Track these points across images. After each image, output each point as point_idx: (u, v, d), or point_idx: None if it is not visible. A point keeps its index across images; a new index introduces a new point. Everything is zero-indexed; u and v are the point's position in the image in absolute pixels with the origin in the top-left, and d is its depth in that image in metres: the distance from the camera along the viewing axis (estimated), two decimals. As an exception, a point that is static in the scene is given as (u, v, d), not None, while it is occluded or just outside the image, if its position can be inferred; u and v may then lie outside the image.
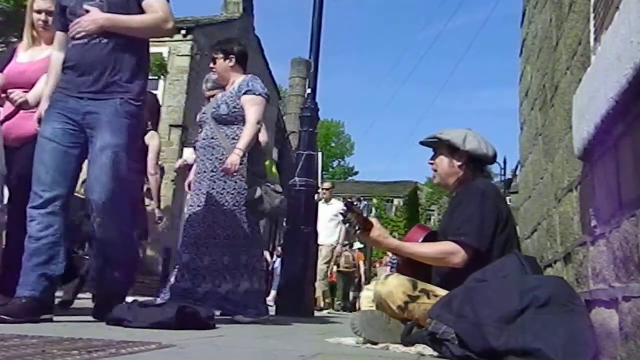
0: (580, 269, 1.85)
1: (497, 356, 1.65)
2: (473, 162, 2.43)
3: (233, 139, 3.36)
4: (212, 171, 3.35)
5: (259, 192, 3.30)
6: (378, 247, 2.50)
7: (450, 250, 2.22)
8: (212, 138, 3.39)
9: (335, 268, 14.39)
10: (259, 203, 3.32)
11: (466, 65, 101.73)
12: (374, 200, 40.99)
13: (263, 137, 3.86)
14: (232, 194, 3.34)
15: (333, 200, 8.44)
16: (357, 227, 2.27)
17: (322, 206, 8.05)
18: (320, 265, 7.60)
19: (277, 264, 10.03)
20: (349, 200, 2.31)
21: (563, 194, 2.16)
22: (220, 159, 3.30)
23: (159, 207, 4.94)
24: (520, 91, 3.89)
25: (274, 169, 3.81)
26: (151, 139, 4.39)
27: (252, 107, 3.40)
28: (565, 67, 2.17)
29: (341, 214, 2.32)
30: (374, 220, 2.33)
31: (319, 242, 7.71)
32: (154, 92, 14.85)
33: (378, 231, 2.30)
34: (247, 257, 3.38)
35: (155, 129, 4.58)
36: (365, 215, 2.29)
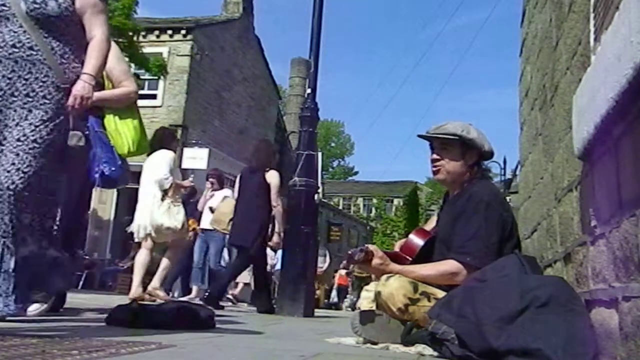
0: (580, 269, 1.85)
1: (497, 356, 1.65)
2: (481, 160, 2.39)
3: (62, 56, 2.37)
4: (27, 96, 2.32)
5: (83, 140, 2.39)
6: (381, 274, 2.35)
7: (454, 271, 2.16)
8: (32, 49, 2.34)
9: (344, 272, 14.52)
10: (79, 153, 2.45)
11: (466, 65, 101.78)
12: (374, 200, 41.02)
13: (131, 85, 3.22)
14: (51, 129, 2.31)
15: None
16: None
17: None
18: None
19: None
20: (349, 252, 2.27)
21: (563, 194, 2.16)
22: (44, 82, 2.34)
23: (279, 233, 5.63)
24: (520, 91, 3.89)
25: (128, 137, 2.96)
26: (272, 178, 5.40)
27: (99, 16, 2.46)
28: (565, 67, 2.17)
29: (344, 267, 2.34)
30: (372, 247, 2.27)
31: None
32: (154, 92, 14.98)
33: (379, 260, 2.25)
34: (32, 217, 2.37)
35: (275, 167, 5.48)
36: (363, 254, 2.22)
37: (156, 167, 5.05)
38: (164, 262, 5.17)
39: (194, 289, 7.32)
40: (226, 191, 7.43)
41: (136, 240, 5.29)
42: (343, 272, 17.69)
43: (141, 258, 5.06)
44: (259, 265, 5.69)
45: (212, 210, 7.08)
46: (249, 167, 5.70)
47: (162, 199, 4.96)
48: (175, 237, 5.09)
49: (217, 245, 7.29)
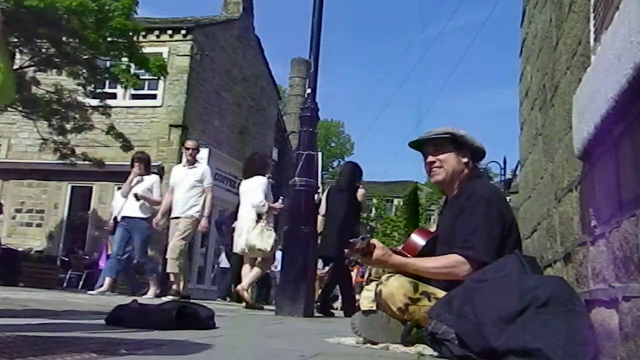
0: (580, 269, 1.85)
1: (497, 356, 1.65)
2: (474, 159, 2.42)
3: None
4: None
5: None
6: (383, 267, 2.38)
7: (456, 265, 2.16)
8: None
9: (366, 276, 14.60)
10: None
11: (466, 65, 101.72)
12: (374, 200, 41.01)
13: None
14: None
15: (198, 164, 6.84)
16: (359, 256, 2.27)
17: (181, 170, 6.76)
18: (175, 241, 6.36)
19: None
20: (350, 240, 2.26)
21: (563, 194, 2.16)
22: None
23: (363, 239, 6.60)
24: (520, 91, 3.89)
25: None
26: (361, 196, 6.07)
27: None
28: (565, 67, 2.17)
29: (346, 255, 2.34)
30: (375, 241, 2.26)
31: (175, 214, 6.49)
32: (154, 92, 14.97)
33: (381, 251, 2.24)
34: None
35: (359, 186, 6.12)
36: (365, 243, 2.21)
37: (253, 192, 6.01)
38: (256, 270, 6.04)
39: (107, 280, 6.63)
40: (154, 177, 7.00)
41: (240, 253, 6.23)
42: (352, 274, 17.80)
43: (245, 270, 6.16)
44: (345, 275, 6.27)
45: (137, 197, 6.66)
46: (337, 187, 6.25)
47: (257, 221, 5.92)
48: (265, 256, 6.06)
49: (142, 235, 6.74)
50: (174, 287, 6.51)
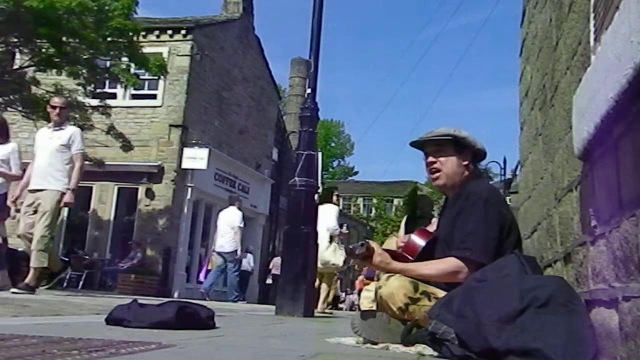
0: (580, 269, 1.85)
1: (497, 356, 1.65)
2: (475, 160, 2.41)
3: None
4: None
5: None
6: (382, 272, 2.40)
7: (454, 270, 2.16)
8: None
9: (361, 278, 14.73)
10: None
11: (466, 65, 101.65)
12: (374, 200, 41.05)
13: None
14: None
15: (66, 126, 5.68)
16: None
17: (45, 133, 5.65)
18: (41, 230, 5.25)
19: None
20: (349, 247, 2.29)
21: (563, 194, 2.16)
22: None
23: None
24: (520, 91, 3.89)
25: None
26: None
27: None
28: (565, 67, 2.17)
29: (345, 259, 2.38)
30: (374, 245, 2.27)
31: (33, 186, 5.44)
32: (154, 92, 14.99)
33: (379, 257, 2.24)
34: None
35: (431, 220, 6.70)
36: (364, 249, 2.23)
37: (328, 218, 6.69)
38: (324, 287, 6.97)
39: None
40: (11, 145, 5.74)
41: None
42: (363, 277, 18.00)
43: (323, 286, 6.98)
44: None
45: None
46: (417, 213, 6.63)
47: (330, 242, 6.68)
48: (337, 272, 7.26)
49: None
50: (27, 279, 5.33)
